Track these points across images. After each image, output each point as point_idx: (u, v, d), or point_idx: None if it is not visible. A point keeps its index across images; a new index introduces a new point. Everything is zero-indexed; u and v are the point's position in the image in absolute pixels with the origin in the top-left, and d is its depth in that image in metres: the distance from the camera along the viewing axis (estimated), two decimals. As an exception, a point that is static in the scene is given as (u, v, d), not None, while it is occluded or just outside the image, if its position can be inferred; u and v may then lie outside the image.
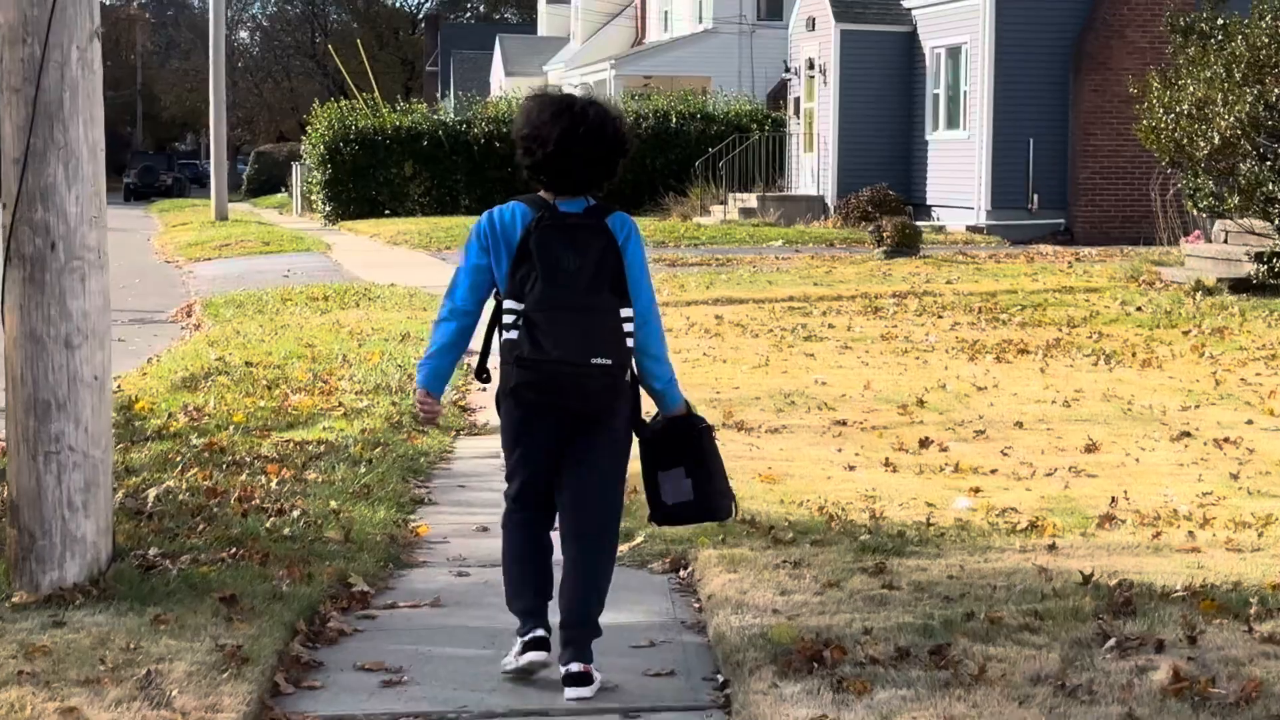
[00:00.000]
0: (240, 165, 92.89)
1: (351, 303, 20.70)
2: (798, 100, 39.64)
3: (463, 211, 41.78)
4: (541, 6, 72.56)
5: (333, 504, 9.02)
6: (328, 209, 44.25)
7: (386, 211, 43.14)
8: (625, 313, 5.96)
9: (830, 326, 17.70)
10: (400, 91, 57.02)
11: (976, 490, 9.34)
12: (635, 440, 6.21)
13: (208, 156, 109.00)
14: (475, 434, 12.02)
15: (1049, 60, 33.80)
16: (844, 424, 11.71)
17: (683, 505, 6.27)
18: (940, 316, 18.44)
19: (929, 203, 36.23)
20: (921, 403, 12.51)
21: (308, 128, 45.67)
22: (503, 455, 6.30)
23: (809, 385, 13.54)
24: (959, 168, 35.00)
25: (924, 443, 10.83)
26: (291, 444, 10.90)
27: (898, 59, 36.95)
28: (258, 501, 9.03)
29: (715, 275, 23.70)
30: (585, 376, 5.85)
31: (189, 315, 21.72)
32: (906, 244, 24.45)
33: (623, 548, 7.82)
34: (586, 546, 6.07)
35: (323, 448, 10.78)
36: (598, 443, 6.05)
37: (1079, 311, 18.64)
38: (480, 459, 10.96)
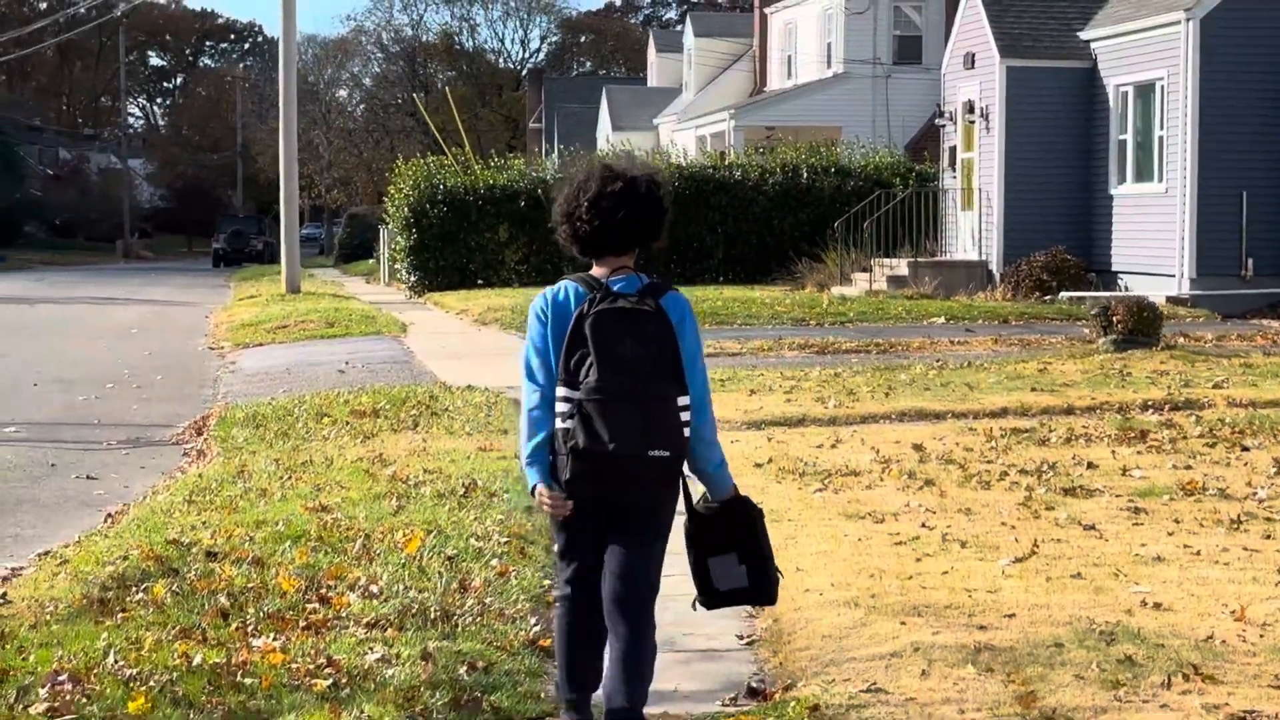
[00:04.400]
0: (335, 229, 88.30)
1: (408, 420, 15.29)
2: (953, 149, 34.00)
3: (565, 281, 36.31)
4: (651, 56, 67.34)
5: None
6: (413, 279, 38.90)
7: (479, 282, 37.75)
8: (683, 401, 5.66)
9: (1090, 466, 12.04)
10: (504, 149, 52.03)
11: None
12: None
13: (308, 220, 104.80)
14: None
15: (1264, 97, 28.09)
16: (1255, 726, 6.19)
17: (736, 592, 6.00)
18: (1244, 448, 12.70)
19: (1114, 269, 30.51)
20: (1372, 668, 6.93)
21: (390, 187, 40.35)
22: (552, 531, 6.01)
23: (1131, 606, 7.97)
24: (1153, 227, 29.26)
25: None
26: (205, 791, 5.60)
27: (1075, 100, 31.28)
28: None
29: (888, 373, 18.04)
30: (643, 469, 5.58)
31: (199, 434, 16.42)
32: (1143, 331, 18.77)
33: None
34: (628, 622, 5.80)
35: (263, 803, 5.46)
36: (643, 526, 5.82)
37: None
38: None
